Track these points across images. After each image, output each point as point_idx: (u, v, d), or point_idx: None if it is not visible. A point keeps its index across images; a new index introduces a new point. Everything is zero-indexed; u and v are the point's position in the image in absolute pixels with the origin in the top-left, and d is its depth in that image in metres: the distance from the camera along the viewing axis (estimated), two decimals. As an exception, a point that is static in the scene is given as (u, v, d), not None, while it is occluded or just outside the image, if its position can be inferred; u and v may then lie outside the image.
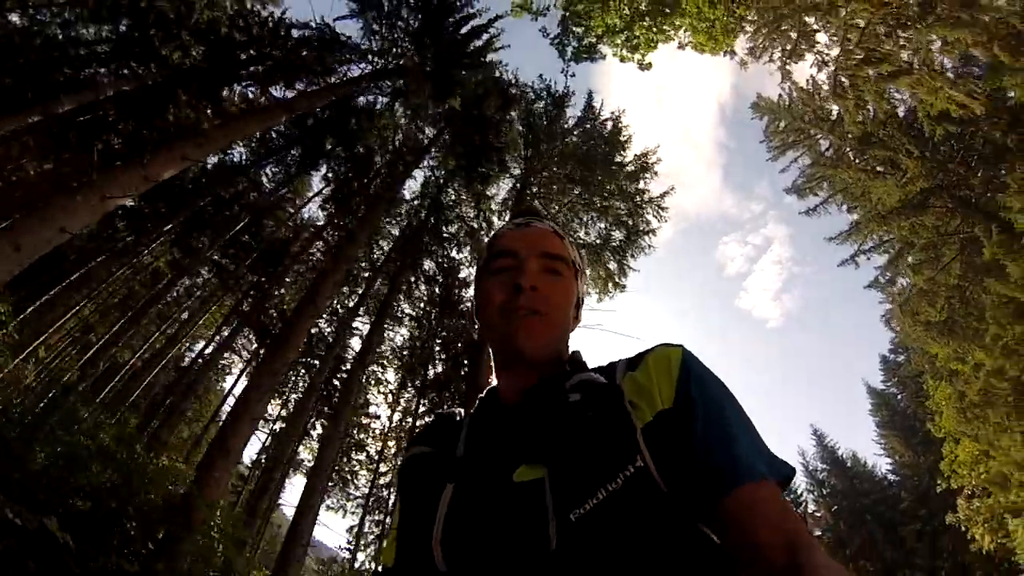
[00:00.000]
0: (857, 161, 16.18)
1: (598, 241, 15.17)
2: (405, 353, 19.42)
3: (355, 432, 21.00)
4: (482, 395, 0.91)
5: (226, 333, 18.27)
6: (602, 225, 15.49)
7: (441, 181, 15.88)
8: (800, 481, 39.28)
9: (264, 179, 16.09)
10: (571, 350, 0.89)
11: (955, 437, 14.66)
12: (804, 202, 20.20)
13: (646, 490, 0.64)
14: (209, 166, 13.96)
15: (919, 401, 25.76)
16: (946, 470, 16.45)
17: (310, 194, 18.47)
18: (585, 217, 15.62)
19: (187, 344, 21.87)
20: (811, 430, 62.83)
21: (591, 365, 0.87)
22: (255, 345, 19.49)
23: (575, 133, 15.86)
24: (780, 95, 18.46)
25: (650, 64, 12.71)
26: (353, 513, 21.37)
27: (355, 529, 19.77)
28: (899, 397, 38.74)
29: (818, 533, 35.41)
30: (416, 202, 16.71)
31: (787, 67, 13.07)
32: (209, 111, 11.42)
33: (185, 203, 13.56)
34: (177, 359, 22.31)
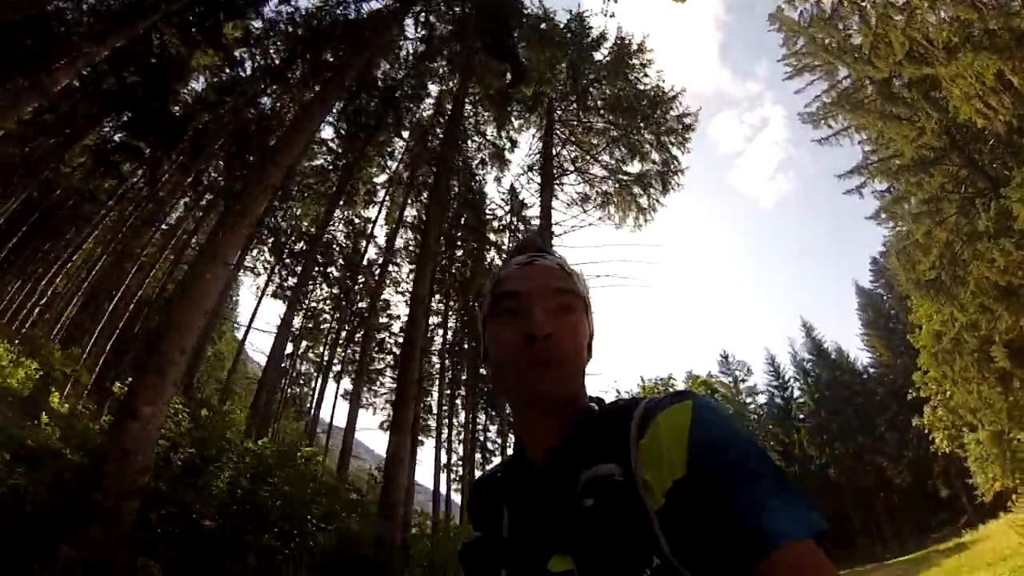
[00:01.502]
0: (877, 102, 16.84)
1: (628, 179, 16.34)
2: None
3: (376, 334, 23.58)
4: (513, 450, 0.90)
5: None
6: (635, 165, 16.48)
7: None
8: (788, 369, 43.14)
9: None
10: (587, 395, 0.86)
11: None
12: (818, 131, 21.15)
13: None
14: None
15: (904, 306, 27.93)
16: (918, 381, 18.96)
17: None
18: (617, 154, 16.70)
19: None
20: (800, 321, 66.77)
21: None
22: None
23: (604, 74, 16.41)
24: (801, 12, 18.13)
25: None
26: (383, 409, 24.78)
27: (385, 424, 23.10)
28: (885, 299, 41.29)
29: (802, 417, 39.64)
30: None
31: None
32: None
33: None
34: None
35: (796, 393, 42.16)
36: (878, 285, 42.08)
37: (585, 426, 0.79)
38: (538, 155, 15.52)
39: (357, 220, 23.68)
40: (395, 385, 21.67)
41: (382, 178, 22.36)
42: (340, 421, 21.67)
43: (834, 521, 29.64)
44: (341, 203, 20.91)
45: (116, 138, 17.45)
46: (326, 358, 23.90)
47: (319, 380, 24.57)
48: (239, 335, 27.90)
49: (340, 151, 20.10)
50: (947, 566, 15.00)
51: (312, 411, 23.59)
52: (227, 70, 16.78)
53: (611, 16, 14.89)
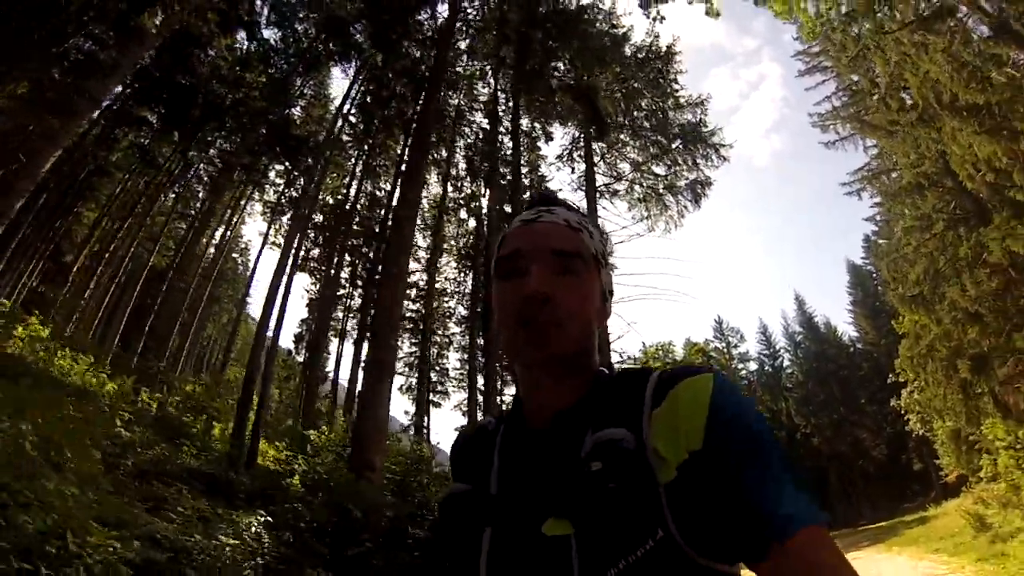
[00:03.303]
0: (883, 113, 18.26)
1: (662, 189, 17.84)
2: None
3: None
4: (511, 407, 0.88)
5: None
6: (664, 170, 17.90)
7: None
8: (779, 340, 45.59)
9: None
10: (599, 357, 0.84)
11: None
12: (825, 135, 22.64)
13: (669, 561, 0.62)
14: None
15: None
16: (898, 367, 21.10)
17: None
18: (655, 167, 18.16)
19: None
20: (793, 295, 69.14)
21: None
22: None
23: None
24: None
25: None
26: (400, 373, 26.64)
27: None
28: (874, 277, 43.12)
29: (790, 387, 42.29)
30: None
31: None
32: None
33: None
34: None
35: (786, 363, 44.78)
36: (869, 262, 44.06)
37: (596, 390, 0.78)
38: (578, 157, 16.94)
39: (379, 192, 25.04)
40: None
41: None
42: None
43: (816, 488, 32.43)
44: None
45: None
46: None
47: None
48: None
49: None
50: (908, 536, 17.40)
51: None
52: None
53: (659, 21, 15.62)
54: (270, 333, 13.51)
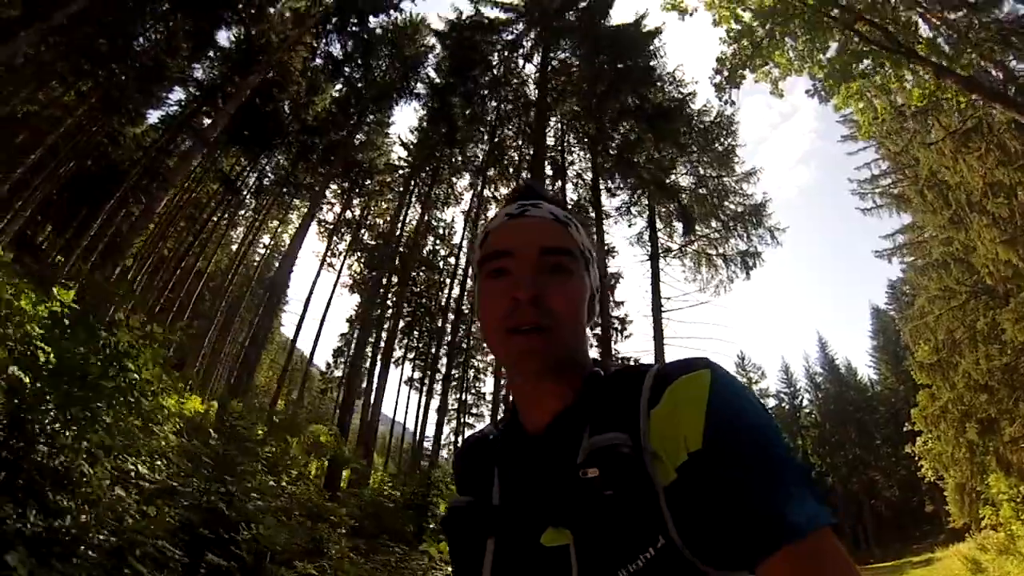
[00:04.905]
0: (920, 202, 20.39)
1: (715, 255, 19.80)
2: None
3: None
4: (508, 415, 0.86)
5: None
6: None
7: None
8: (800, 379, 47.25)
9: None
10: (591, 358, 0.82)
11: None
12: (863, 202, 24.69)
13: (671, 569, 0.61)
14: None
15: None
16: (915, 417, 22.96)
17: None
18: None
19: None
20: (816, 336, 70.43)
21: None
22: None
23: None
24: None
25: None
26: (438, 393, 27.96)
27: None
28: (896, 322, 44.35)
29: (807, 425, 43.96)
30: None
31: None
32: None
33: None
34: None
35: (805, 403, 46.43)
36: (892, 307, 45.57)
37: (590, 393, 0.75)
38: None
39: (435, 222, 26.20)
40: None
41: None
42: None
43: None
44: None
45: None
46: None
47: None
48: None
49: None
50: (913, 575, 19.28)
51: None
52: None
53: (731, 104, 17.08)
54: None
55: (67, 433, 3.78)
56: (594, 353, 0.99)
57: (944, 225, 15.67)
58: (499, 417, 1.05)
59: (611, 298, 17.14)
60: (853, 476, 38.25)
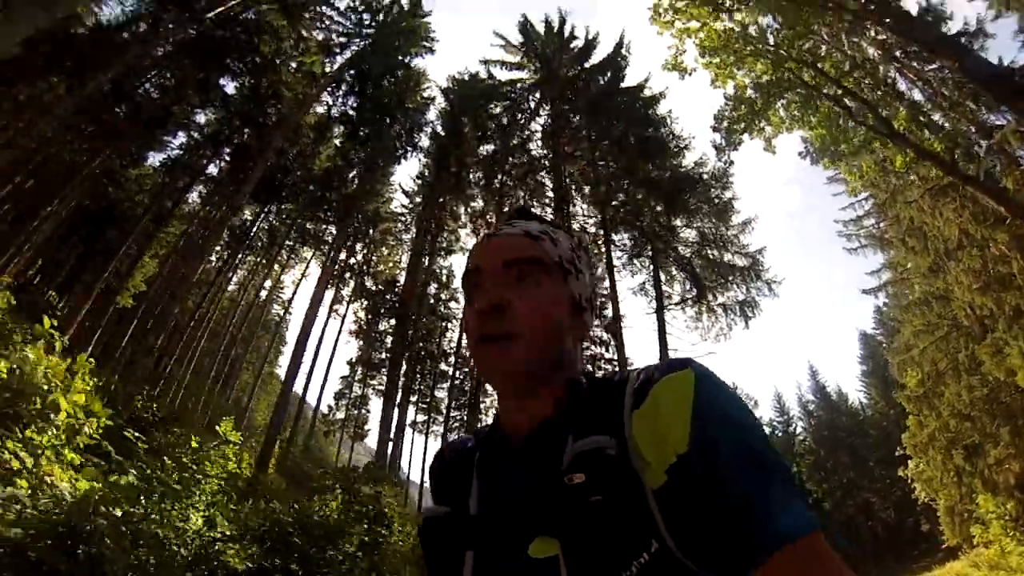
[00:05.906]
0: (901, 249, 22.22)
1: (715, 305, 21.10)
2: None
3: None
4: (490, 424, 0.86)
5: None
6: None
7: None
8: (794, 409, 48.68)
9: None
10: (577, 366, 0.82)
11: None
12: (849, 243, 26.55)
13: (666, 575, 0.60)
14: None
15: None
16: (906, 442, 24.35)
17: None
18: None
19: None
20: (807, 365, 72.67)
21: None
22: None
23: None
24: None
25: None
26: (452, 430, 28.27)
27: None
28: (884, 347, 45.84)
29: (801, 453, 45.18)
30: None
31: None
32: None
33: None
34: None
35: (799, 431, 47.72)
36: (880, 332, 47.13)
37: (573, 399, 0.75)
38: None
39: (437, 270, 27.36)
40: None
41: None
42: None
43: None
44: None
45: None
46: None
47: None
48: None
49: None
50: (910, 591, 20.48)
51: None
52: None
53: (730, 164, 18.12)
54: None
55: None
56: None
57: (925, 273, 17.44)
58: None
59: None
60: (848, 499, 39.22)
